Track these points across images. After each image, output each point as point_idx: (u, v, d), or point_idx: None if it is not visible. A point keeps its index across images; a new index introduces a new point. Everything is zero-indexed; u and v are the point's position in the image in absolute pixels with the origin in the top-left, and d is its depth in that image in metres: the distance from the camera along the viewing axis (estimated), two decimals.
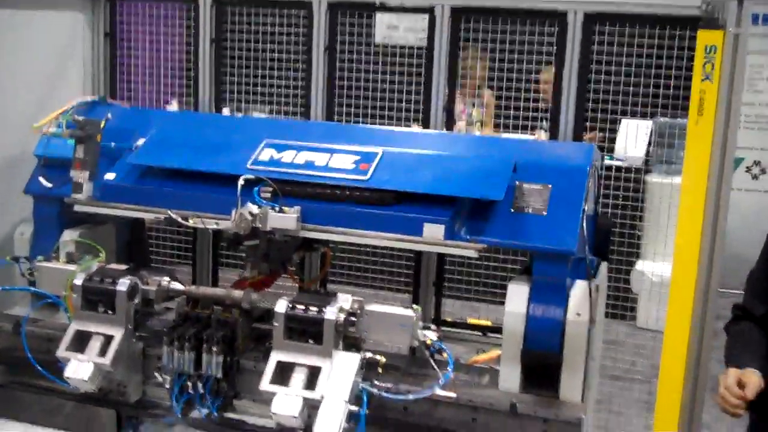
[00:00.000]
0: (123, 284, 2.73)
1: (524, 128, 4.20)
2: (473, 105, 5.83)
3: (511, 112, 4.20)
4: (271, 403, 2.49)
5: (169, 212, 2.88)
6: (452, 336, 3.70)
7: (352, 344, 2.61)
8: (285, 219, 2.74)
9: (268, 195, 2.78)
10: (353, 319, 2.58)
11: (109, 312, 2.77)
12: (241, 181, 2.76)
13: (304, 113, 3.99)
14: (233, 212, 2.74)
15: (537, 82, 4.32)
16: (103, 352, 2.71)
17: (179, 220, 2.87)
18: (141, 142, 3.14)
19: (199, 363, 2.69)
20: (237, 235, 2.77)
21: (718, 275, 2.80)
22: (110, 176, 3.05)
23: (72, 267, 2.87)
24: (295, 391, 2.50)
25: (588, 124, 3.89)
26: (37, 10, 3.72)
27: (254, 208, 2.74)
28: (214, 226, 2.81)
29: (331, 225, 2.80)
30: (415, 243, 2.75)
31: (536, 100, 4.48)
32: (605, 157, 4.10)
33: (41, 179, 3.24)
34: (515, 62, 4.17)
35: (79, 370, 2.68)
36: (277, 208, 2.75)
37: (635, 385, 4.48)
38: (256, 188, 2.78)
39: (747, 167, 8.54)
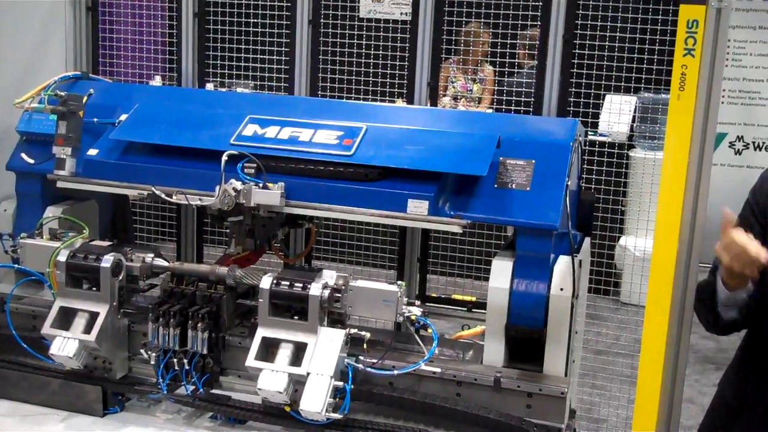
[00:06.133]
0: (107, 261, 2.72)
1: (509, 103, 4.21)
2: (474, 81, 5.86)
3: (495, 87, 4.21)
4: (256, 379, 2.51)
5: (152, 188, 2.87)
6: (437, 312, 3.72)
7: (337, 320, 2.62)
8: (269, 195, 2.74)
9: (252, 171, 2.78)
10: (338, 295, 2.59)
11: (94, 289, 2.76)
12: (224, 157, 2.75)
13: (287, 88, 3.98)
14: (217, 188, 2.74)
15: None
16: (88, 329, 2.71)
17: (163, 196, 2.86)
18: (124, 117, 3.12)
19: (185, 339, 2.70)
20: (221, 212, 2.77)
21: (699, 250, 2.82)
22: (93, 152, 3.03)
23: (55, 244, 2.85)
24: (281, 367, 2.51)
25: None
26: None
27: (238, 184, 2.73)
28: (198, 203, 2.81)
29: (316, 201, 2.79)
30: (400, 219, 2.75)
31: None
32: (589, 132, 4.11)
33: (23, 155, 3.21)
34: (499, 37, 4.17)
35: (64, 347, 2.67)
36: (261, 184, 2.75)
37: (618, 359, 4.53)
38: (239, 164, 2.77)
39: (730, 142, 8.58)
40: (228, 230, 2.91)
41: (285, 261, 3.36)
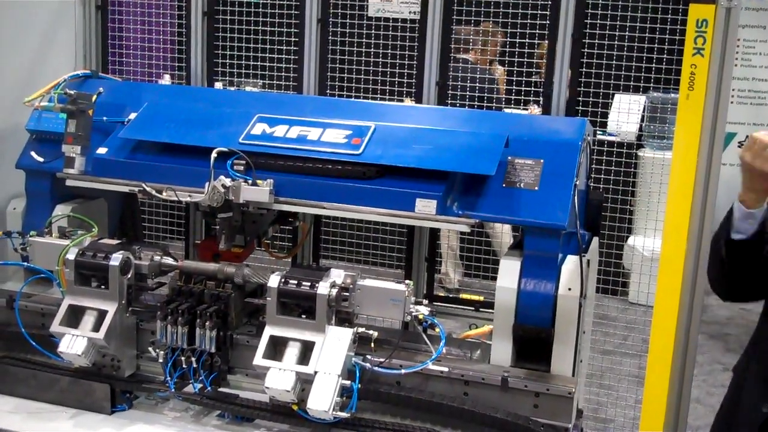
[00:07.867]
0: (116, 259, 2.73)
1: (518, 103, 4.21)
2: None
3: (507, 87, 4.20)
4: (264, 378, 2.51)
5: (143, 185, 2.89)
6: (445, 311, 3.72)
7: (345, 319, 2.62)
8: (258, 192, 2.75)
9: (242, 168, 2.79)
10: (346, 294, 2.59)
11: (103, 287, 2.77)
12: (214, 154, 2.78)
13: (296, 87, 3.98)
14: (206, 185, 2.76)
15: (532, 56, 4.33)
16: (96, 327, 2.72)
17: (153, 192, 2.88)
18: (133, 116, 3.13)
19: (193, 337, 2.70)
20: (211, 208, 2.79)
21: (707, 250, 2.81)
22: (102, 151, 3.05)
23: (65, 242, 2.87)
24: (289, 366, 2.52)
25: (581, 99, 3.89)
26: None
27: (227, 181, 2.75)
28: (188, 199, 2.83)
29: (323, 200, 2.80)
30: (407, 218, 2.76)
31: (530, 75, 4.48)
32: (598, 132, 4.10)
33: (33, 154, 3.23)
34: (508, 36, 4.16)
35: (73, 344, 2.69)
36: (250, 181, 2.76)
37: (626, 359, 4.52)
38: (228, 161, 2.79)
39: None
40: (218, 227, 2.92)
41: (275, 257, 3.36)
